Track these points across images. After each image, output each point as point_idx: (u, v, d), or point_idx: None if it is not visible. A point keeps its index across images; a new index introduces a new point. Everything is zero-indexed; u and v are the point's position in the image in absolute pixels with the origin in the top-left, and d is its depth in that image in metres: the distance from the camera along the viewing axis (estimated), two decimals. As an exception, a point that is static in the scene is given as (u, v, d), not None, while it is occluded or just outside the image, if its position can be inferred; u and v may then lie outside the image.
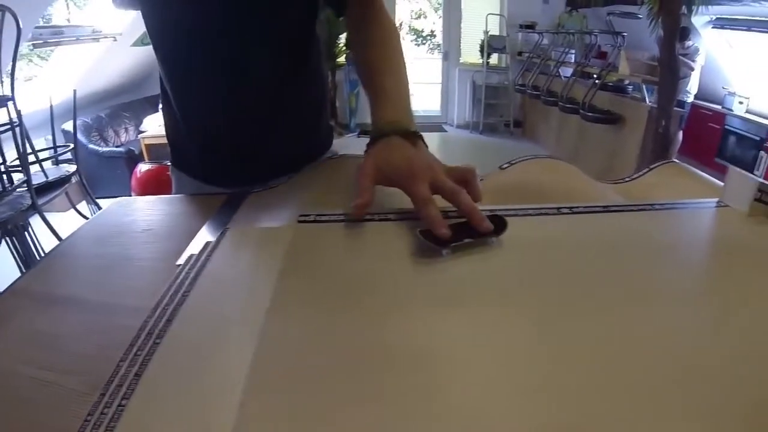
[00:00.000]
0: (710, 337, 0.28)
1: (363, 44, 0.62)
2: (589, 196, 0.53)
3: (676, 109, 3.81)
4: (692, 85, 4.59)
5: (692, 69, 4.49)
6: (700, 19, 5.14)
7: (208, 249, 0.39)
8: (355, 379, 0.25)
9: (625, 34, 4.07)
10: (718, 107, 4.94)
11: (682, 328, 0.29)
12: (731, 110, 4.84)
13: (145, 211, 0.57)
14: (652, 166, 0.64)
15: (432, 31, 6.85)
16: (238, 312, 0.31)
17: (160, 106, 0.75)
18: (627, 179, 0.63)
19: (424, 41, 6.18)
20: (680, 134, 4.91)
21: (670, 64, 3.54)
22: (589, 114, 3.75)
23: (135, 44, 3.65)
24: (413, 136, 0.46)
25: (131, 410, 0.23)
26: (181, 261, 0.40)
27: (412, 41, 6.73)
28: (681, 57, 4.47)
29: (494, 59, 5.39)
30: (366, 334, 0.28)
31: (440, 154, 0.50)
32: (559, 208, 0.45)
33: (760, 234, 0.42)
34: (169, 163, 0.73)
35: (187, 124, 0.66)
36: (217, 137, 0.65)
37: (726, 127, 4.79)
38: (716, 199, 0.48)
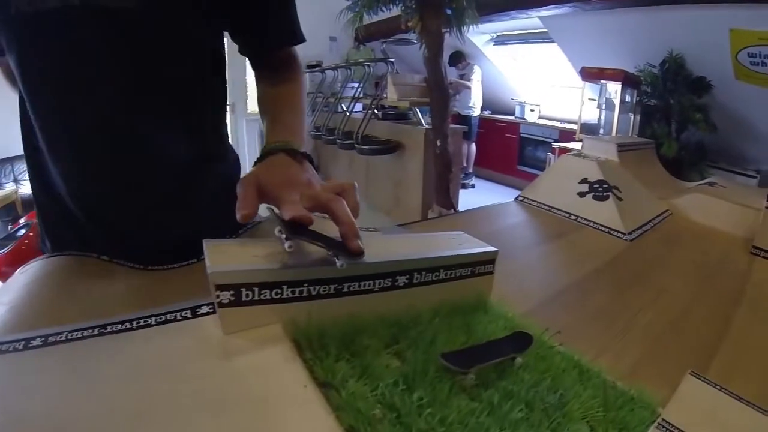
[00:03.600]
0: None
1: (270, 85, 0.64)
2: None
3: (453, 126, 3.69)
4: (475, 101, 4.62)
5: (468, 87, 4.53)
6: (481, 39, 5.33)
7: None
8: None
9: (392, 60, 3.93)
10: (512, 118, 5.07)
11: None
12: (524, 119, 4.97)
13: None
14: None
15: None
16: None
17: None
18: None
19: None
20: (473, 147, 4.90)
21: (438, 84, 3.38)
22: (365, 147, 3.46)
23: None
24: (300, 155, 0.47)
25: None
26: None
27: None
28: (455, 79, 4.49)
29: (282, 104, 5.04)
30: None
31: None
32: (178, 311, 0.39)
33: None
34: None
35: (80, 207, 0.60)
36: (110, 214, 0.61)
37: (522, 135, 4.89)
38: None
